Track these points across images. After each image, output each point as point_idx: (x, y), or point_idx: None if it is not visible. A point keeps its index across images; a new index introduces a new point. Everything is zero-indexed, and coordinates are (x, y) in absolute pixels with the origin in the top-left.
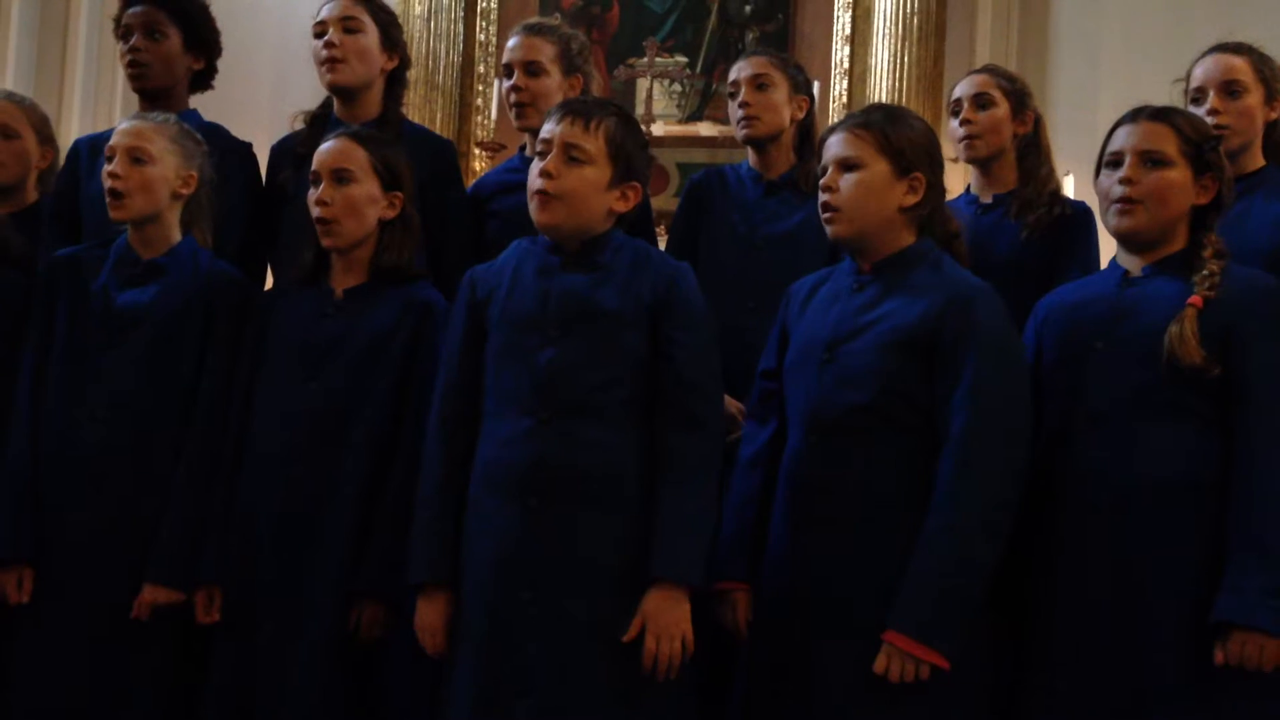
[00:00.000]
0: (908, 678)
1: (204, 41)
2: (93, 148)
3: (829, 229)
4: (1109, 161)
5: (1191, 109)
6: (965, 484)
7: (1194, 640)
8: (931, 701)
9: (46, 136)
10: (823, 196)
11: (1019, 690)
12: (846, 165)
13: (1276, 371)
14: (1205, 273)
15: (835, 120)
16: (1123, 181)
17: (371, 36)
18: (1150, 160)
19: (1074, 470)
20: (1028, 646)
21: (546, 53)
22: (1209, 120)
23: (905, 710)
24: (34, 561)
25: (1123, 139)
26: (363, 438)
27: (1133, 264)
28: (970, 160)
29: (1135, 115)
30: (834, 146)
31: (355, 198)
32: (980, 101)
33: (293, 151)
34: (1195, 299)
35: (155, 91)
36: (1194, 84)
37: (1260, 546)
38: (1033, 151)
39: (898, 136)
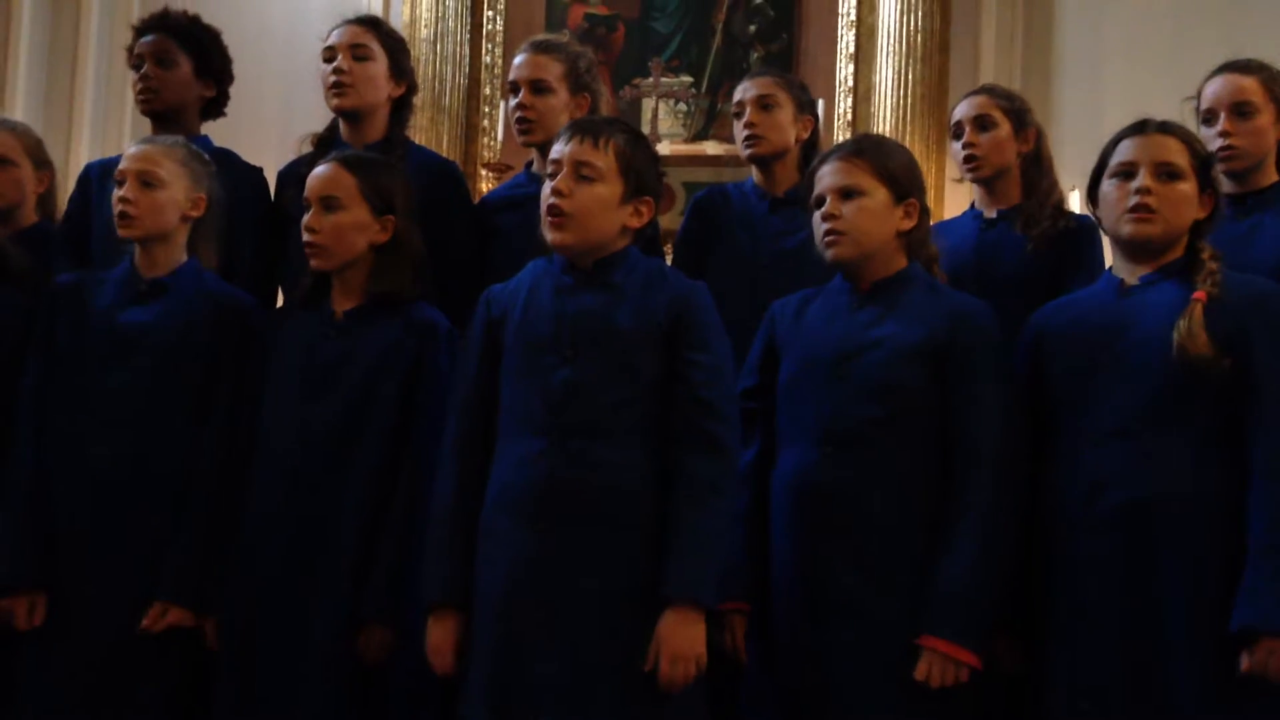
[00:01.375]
0: (948, 681)
1: (215, 69)
2: (103, 172)
3: (831, 252)
4: (1119, 172)
5: (1203, 129)
6: (987, 487)
7: (1212, 649)
8: (960, 705)
9: (42, 160)
10: (825, 224)
11: (1037, 705)
12: (846, 193)
13: None
14: (1207, 270)
15: (840, 139)
16: (1139, 190)
17: (380, 64)
18: (1166, 172)
19: (1083, 483)
20: (1043, 661)
21: (553, 71)
22: (1220, 141)
23: (937, 716)
24: (45, 586)
25: (1135, 150)
26: (365, 459)
27: (1130, 274)
28: (976, 180)
29: (1143, 128)
30: (830, 176)
31: (342, 224)
32: (981, 123)
33: (297, 174)
34: (1199, 294)
35: (164, 114)
36: (1204, 104)
37: (1276, 550)
38: (1035, 166)
39: (892, 165)
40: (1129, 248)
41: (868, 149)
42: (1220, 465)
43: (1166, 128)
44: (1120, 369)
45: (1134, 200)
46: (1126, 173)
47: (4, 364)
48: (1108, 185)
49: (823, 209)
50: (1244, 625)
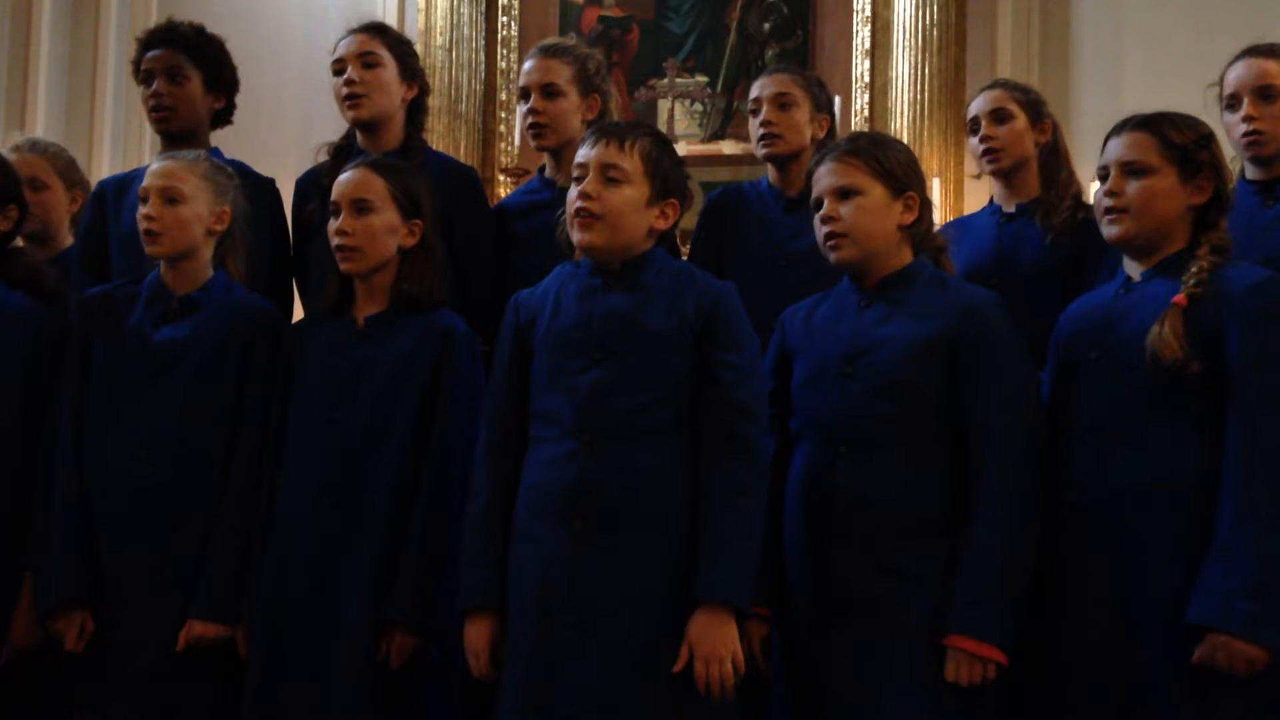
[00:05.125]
0: (975, 680)
1: (224, 81)
2: (118, 187)
3: (834, 254)
4: (1099, 175)
5: (1226, 115)
6: (1002, 484)
7: (1185, 642)
8: (984, 701)
9: (74, 181)
10: (825, 226)
11: (1034, 693)
12: (844, 193)
13: (1253, 367)
14: (1193, 270)
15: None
16: (1108, 194)
17: (390, 69)
18: (1131, 170)
19: (1070, 478)
20: (1041, 650)
21: (563, 74)
22: (1244, 126)
23: (962, 714)
24: (93, 605)
25: (1108, 152)
26: (389, 465)
27: (1135, 270)
28: (994, 174)
29: (1121, 126)
30: (826, 177)
31: (375, 227)
32: (998, 116)
33: (317, 184)
34: (1179, 297)
35: (179, 133)
36: (1228, 89)
37: (1230, 546)
38: (1052, 158)
39: (888, 160)
40: (1115, 247)
41: (862, 147)
42: (1202, 459)
43: (1143, 123)
44: (1108, 364)
45: (1105, 203)
46: (1102, 175)
47: (39, 381)
48: (1095, 188)
49: (821, 211)
50: (1192, 621)
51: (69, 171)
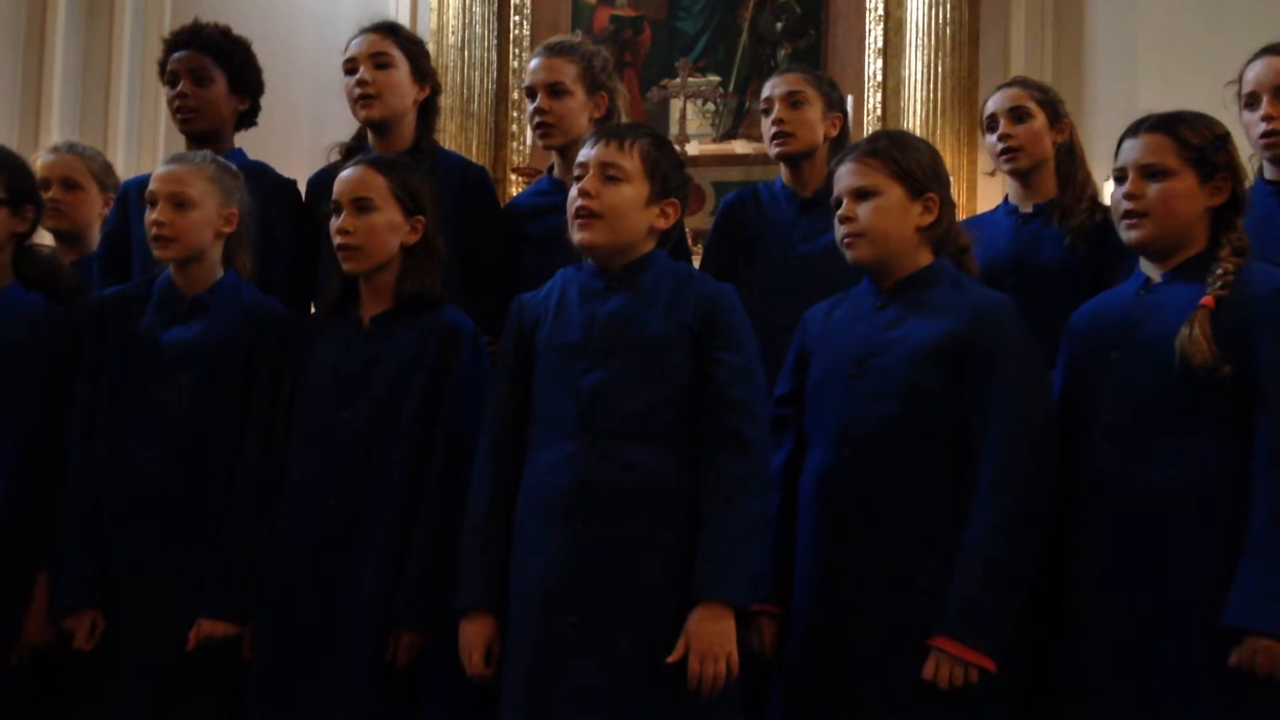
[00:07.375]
0: (957, 682)
1: (249, 83)
2: (141, 189)
3: (850, 253)
4: (1115, 176)
5: (1245, 114)
6: (1001, 489)
7: (1210, 644)
8: (983, 705)
9: (108, 184)
10: (842, 226)
11: (1050, 694)
12: (862, 193)
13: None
14: (1219, 272)
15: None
16: (1126, 196)
17: (402, 70)
18: (1150, 173)
19: (1091, 478)
20: (1056, 651)
21: (569, 73)
22: (1263, 125)
23: (959, 716)
24: (104, 605)
25: (1124, 153)
26: (395, 463)
27: (1154, 271)
28: (1012, 173)
29: (1137, 127)
30: (846, 177)
31: (376, 225)
32: (1017, 115)
33: (328, 184)
34: (1207, 299)
35: (203, 134)
36: (1246, 88)
37: (1266, 548)
38: (1069, 158)
39: (907, 161)
40: (1135, 250)
41: (881, 148)
42: (1227, 462)
43: (1160, 125)
44: (1128, 365)
45: (1124, 206)
46: (1119, 177)
47: (54, 381)
48: (1112, 189)
49: (840, 211)
50: (1229, 623)
51: (104, 174)
